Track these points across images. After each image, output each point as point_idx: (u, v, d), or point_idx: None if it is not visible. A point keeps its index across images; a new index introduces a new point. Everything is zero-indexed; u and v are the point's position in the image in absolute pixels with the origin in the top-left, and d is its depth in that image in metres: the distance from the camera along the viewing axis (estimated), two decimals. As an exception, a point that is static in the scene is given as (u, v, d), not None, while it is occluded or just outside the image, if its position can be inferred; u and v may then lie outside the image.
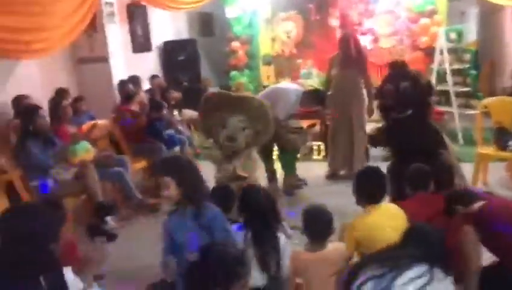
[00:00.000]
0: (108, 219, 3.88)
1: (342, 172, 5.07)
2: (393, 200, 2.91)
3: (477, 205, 2.14)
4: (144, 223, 4.22)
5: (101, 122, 4.75)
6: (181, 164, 2.26)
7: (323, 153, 5.74)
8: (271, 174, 4.72)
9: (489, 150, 4.17)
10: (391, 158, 3.50)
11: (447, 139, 3.59)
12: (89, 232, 3.81)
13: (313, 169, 5.33)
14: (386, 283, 1.73)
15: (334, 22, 7.03)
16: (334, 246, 2.32)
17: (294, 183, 4.72)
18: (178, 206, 2.23)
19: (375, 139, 3.95)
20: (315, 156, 5.77)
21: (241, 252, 1.94)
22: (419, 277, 1.72)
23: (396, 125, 3.37)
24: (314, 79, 6.85)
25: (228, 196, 2.67)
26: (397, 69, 3.47)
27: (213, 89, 7.87)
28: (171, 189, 2.15)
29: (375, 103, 4.71)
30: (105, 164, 4.10)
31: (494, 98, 4.58)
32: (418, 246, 1.85)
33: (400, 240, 1.97)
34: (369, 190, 2.49)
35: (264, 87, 6.91)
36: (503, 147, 4.01)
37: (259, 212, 2.41)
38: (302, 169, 5.09)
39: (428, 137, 3.23)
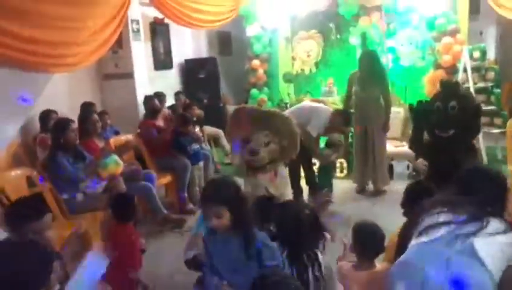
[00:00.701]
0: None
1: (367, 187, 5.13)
2: None
3: None
4: (169, 238, 4.19)
5: (127, 137, 4.78)
6: (234, 190, 2.06)
7: (346, 171, 5.72)
8: (298, 190, 4.69)
9: (521, 168, 4.10)
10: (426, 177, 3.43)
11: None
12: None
13: (337, 186, 5.29)
14: (470, 229, 1.65)
15: (355, 40, 7.05)
16: (383, 267, 2.23)
17: (321, 200, 4.69)
18: (225, 233, 2.06)
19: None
20: (338, 174, 5.72)
21: (300, 284, 1.77)
22: (504, 231, 1.66)
23: (438, 144, 3.31)
24: (335, 97, 6.85)
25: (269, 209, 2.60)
26: (449, 88, 3.43)
27: (232, 107, 7.93)
28: (224, 219, 1.97)
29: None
30: (133, 178, 4.09)
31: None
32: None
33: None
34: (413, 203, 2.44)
35: (285, 104, 6.93)
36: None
37: (295, 230, 2.26)
38: (326, 186, 5.07)
39: (464, 161, 3.17)
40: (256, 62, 7.63)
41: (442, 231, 1.69)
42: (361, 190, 5.13)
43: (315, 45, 7.39)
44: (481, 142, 5.78)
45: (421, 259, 1.67)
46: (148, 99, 5.55)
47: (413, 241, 1.77)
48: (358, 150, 5.12)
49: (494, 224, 1.67)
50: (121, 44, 5.70)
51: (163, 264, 3.64)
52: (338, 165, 5.77)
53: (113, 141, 4.39)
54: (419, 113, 3.50)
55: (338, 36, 7.33)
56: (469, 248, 1.61)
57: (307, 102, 5.29)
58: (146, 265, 3.64)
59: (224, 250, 2.07)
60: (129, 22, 5.67)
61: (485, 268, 1.58)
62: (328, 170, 4.92)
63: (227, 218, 1.98)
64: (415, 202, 2.43)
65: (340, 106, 6.08)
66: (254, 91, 7.65)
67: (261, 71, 7.67)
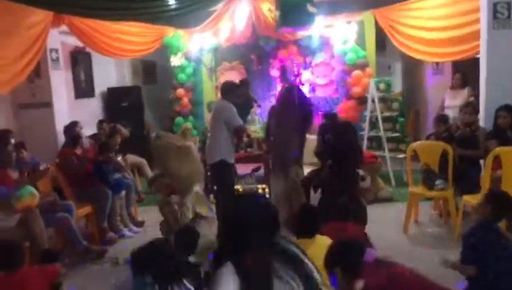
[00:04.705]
0: (54, 266, 3.77)
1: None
2: None
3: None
4: (89, 270, 4.10)
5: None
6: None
7: (267, 196, 5.92)
8: None
9: (419, 189, 4.55)
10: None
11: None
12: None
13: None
14: None
15: (275, 72, 7.46)
16: None
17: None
18: None
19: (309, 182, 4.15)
20: (260, 199, 5.91)
21: None
22: None
23: (324, 170, 3.67)
24: (257, 125, 7.11)
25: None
26: (327, 121, 3.82)
27: (161, 134, 7.95)
28: None
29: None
30: (50, 210, 3.99)
31: (421, 142, 5.05)
32: None
33: None
34: (304, 225, 2.73)
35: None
36: (430, 187, 4.40)
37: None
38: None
39: (343, 186, 3.54)
40: (181, 91, 7.77)
41: None
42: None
43: (238, 75, 7.69)
44: (389, 166, 6.31)
45: None
46: (69, 127, 5.45)
47: None
48: (273, 181, 5.08)
49: None
50: (38, 73, 5.59)
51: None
52: (260, 190, 5.98)
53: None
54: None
55: (259, 67, 7.71)
56: None
57: None
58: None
59: None
60: (48, 51, 5.59)
61: None
62: None
63: None
64: (305, 224, 2.74)
65: (261, 134, 6.38)
66: (179, 119, 7.75)
67: (185, 100, 7.82)
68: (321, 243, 2.64)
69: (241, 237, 1.64)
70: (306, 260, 1.66)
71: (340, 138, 3.77)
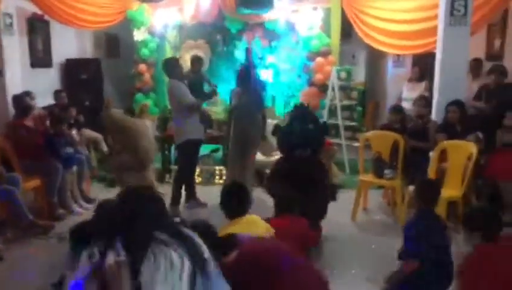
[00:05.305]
0: (-6, 239, 3.68)
1: None
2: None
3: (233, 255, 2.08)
4: (34, 245, 4.02)
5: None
6: None
7: (224, 178, 5.94)
8: (178, 195, 4.79)
9: (369, 177, 4.68)
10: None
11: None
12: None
13: (214, 193, 5.49)
14: None
15: (239, 54, 7.40)
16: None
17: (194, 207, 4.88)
18: None
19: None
20: (217, 180, 5.94)
21: None
22: None
23: (299, 162, 3.69)
24: (218, 107, 7.08)
25: None
26: (303, 111, 3.88)
27: (114, 110, 7.78)
28: None
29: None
30: (-5, 182, 3.87)
31: (373, 131, 5.17)
32: None
33: None
34: (233, 204, 2.75)
35: (170, 110, 6.99)
36: (379, 175, 4.53)
37: None
38: (204, 193, 5.24)
39: (318, 173, 3.62)
40: (143, 66, 7.60)
41: None
42: None
43: (202, 55, 7.58)
44: (345, 154, 6.43)
45: None
46: (19, 97, 5.25)
47: None
48: (230, 161, 5.11)
49: None
50: (-11, 38, 5.33)
51: (27, 273, 3.47)
52: (217, 172, 6.00)
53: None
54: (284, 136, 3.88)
55: (225, 48, 7.63)
56: None
57: None
58: (6, 275, 3.49)
59: None
60: (1, 15, 5.33)
61: None
62: None
63: None
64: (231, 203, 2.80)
65: (222, 116, 6.37)
66: (139, 95, 7.60)
67: (147, 76, 7.66)
68: (249, 220, 2.72)
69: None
70: (197, 240, 1.80)
71: (319, 128, 3.86)
